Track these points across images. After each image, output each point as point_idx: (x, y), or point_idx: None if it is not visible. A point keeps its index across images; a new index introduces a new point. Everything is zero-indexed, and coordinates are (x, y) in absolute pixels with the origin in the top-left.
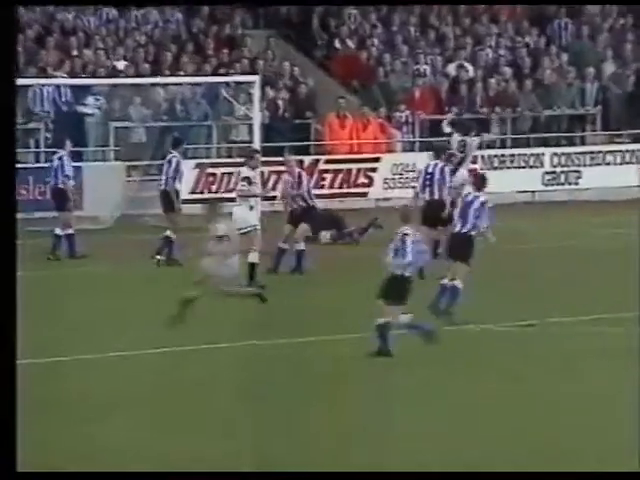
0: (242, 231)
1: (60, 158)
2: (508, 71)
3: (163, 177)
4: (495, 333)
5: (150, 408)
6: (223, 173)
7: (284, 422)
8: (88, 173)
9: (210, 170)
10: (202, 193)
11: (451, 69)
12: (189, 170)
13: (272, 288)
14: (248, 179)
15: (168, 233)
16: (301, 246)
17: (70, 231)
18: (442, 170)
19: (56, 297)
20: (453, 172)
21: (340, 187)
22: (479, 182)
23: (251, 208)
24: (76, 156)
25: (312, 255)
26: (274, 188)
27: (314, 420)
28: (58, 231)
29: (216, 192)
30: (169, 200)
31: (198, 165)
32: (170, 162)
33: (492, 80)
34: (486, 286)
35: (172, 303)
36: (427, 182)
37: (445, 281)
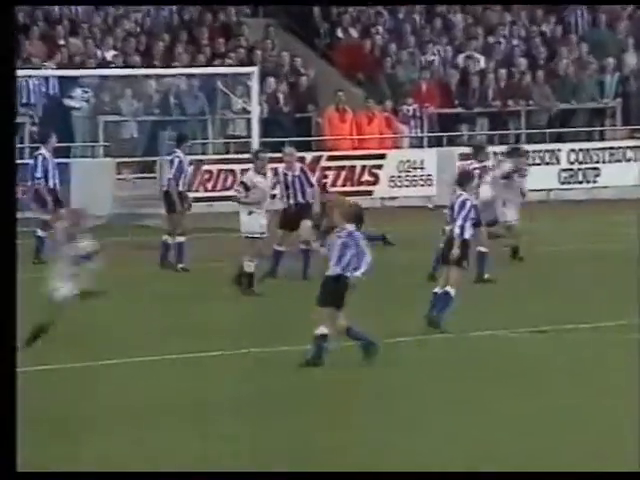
0: (244, 236)
1: (35, 157)
2: (523, 62)
3: (165, 177)
4: (502, 339)
5: (148, 410)
6: (220, 170)
7: (285, 425)
8: (76, 170)
9: (206, 167)
10: (197, 191)
11: (461, 60)
12: None
13: (268, 294)
14: (244, 184)
15: (165, 237)
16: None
17: None
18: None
19: (40, 301)
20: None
21: (343, 185)
22: (461, 178)
23: (250, 213)
24: (63, 152)
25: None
26: (273, 187)
27: (315, 422)
28: (40, 233)
29: (212, 190)
30: (171, 201)
31: (193, 162)
32: (172, 162)
33: (505, 71)
34: (497, 290)
35: (164, 308)
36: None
37: (437, 289)
